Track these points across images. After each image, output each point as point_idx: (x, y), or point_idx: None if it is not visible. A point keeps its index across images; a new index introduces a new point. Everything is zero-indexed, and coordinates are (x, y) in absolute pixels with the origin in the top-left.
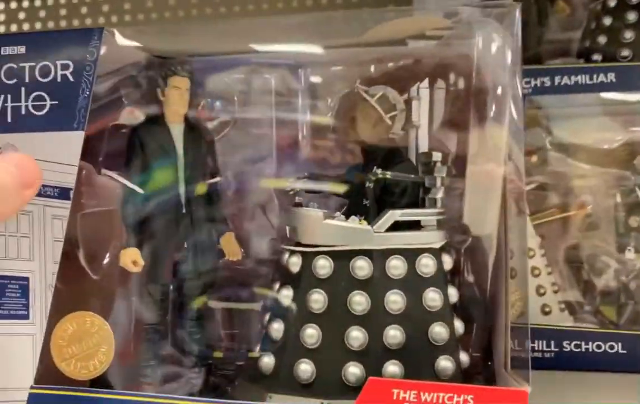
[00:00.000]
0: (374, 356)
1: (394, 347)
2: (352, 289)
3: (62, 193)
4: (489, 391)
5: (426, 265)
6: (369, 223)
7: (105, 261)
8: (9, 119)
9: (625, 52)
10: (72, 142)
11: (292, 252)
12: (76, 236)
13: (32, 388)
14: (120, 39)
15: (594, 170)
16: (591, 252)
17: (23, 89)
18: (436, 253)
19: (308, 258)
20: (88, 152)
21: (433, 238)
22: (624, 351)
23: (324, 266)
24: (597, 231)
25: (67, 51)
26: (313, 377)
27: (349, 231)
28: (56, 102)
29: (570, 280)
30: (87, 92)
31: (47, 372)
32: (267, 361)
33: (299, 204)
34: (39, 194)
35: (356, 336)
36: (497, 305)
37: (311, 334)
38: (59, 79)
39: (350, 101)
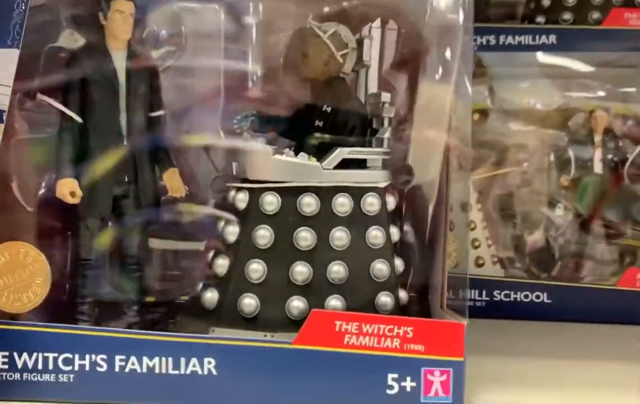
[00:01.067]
0: (317, 291)
1: (337, 282)
2: (298, 225)
3: None
4: (428, 324)
5: (371, 204)
6: (317, 160)
7: (41, 191)
8: None
9: (567, 16)
10: (6, 60)
11: (239, 189)
12: (9, 164)
13: None
14: None
15: (532, 130)
16: (524, 208)
17: None
18: (381, 193)
19: (255, 194)
20: (23, 75)
21: (379, 177)
22: (549, 301)
23: (271, 202)
24: (531, 188)
25: None
26: (257, 311)
27: (297, 166)
28: None
29: (504, 236)
30: (23, 7)
31: None
32: (211, 296)
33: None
34: None
35: (301, 271)
36: (435, 250)
37: (256, 269)
38: None
39: (302, 37)
